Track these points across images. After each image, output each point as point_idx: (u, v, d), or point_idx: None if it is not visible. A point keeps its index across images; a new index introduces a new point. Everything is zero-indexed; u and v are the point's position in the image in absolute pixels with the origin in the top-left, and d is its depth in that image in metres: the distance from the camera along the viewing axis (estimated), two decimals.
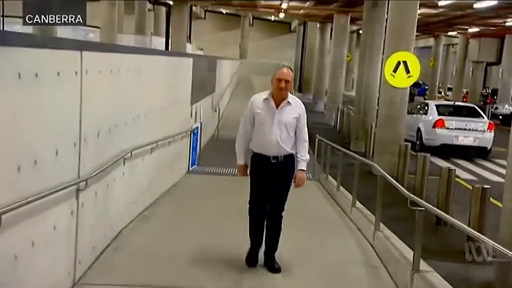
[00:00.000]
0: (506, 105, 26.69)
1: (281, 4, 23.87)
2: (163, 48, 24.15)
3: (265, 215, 4.92)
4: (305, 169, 4.92)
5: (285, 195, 4.90)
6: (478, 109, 16.39)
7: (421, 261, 4.53)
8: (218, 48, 42.89)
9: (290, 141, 4.80)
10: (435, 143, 14.90)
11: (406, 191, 5.21)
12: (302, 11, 26.31)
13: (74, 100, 4.16)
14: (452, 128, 15.01)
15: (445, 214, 4.72)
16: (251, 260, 5.01)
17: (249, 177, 4.95)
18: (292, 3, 22.46)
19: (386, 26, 12.58)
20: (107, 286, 4.40)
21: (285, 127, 4.74)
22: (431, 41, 41.98)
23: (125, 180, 5.84)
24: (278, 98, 4.76)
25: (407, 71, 11.40)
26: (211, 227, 6.38)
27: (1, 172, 3.08)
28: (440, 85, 44.44)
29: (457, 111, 16.11)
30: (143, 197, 6.86)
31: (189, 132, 10.69)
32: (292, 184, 4.91)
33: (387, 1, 13.66)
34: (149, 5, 29.81)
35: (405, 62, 11.34)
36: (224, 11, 45.70)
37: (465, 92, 36.09)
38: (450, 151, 14.84)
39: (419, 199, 4.81)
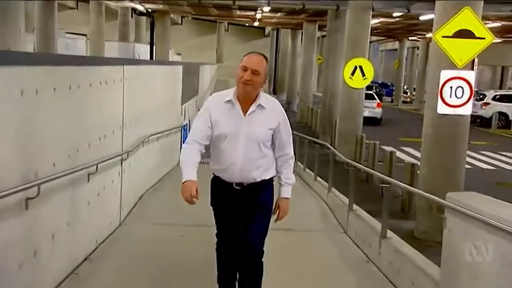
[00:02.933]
0: None
1: (255, 15, 25.94)
2: (147, 54, 26.09)
3: (238, 257, 3.58)
4: (290, 196, 3.60)
5: (262, 233, 3.58)
6: (374, 95, 25.29)
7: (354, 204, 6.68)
8: (196, 52, 44.70)
9: (263, 163, 3.47)
10: None
11: (341, 155, 7.37)
12: (274, 20, 28.40)
13: (120, 97, 6.22)
14: None
15: (367, 168, 6.94)
16: None
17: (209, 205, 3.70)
18: (265, 14, 24.55)
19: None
20: (144, 224, 6.47)
21: (257, 143, 3.39)
22: (397, 44, 44.57)
23: (143, 159, 7.89)
24: (246, 99, 3.40)
25: (363, 74, 13.63)
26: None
27: (92, 140, 5.13)
28: (407, 86, 47.18)
29: None
30: (152, 175, 8.90)
31: (181, 127, 12.76)
32: (272, 216, 3.66)
33: (347, 13, 15.90)
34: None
35: (361, 67, 13.56)
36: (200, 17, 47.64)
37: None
38: None
39: (349, 160, 6.98)
